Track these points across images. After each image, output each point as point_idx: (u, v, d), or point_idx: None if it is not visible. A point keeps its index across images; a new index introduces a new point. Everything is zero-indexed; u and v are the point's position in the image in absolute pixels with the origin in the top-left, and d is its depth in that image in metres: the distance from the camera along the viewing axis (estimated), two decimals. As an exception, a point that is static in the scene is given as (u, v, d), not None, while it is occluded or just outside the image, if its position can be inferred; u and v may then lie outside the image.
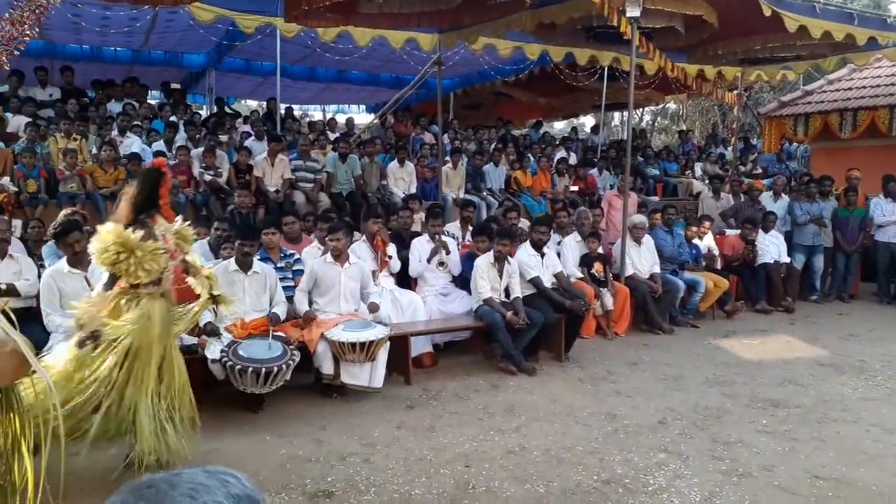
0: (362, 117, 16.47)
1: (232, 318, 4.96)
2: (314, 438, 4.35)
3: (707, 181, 11.37)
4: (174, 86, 13.11)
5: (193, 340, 4.90)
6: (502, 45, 10.09)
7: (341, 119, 14.59)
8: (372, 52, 10.76)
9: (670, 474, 3.80)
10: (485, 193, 9.89)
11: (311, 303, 5.39)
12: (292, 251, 6.01)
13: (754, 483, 3.68)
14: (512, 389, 5.38)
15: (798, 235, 9.08)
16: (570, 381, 5.63)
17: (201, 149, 8.44)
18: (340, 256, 5.43)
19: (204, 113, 12.85)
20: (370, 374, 5.06)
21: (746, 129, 18.21)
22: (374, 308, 5.38)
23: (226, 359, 4.58)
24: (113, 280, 3.61)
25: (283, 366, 4.60)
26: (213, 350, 4.74)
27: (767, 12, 7.33)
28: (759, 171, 13.22)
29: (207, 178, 8.11)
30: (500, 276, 6.10)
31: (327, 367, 5.03)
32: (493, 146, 11.90)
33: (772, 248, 8.75)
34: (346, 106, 17.51)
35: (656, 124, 29.29)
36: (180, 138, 9.20)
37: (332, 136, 11.15)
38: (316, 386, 5.24)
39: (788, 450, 4.15)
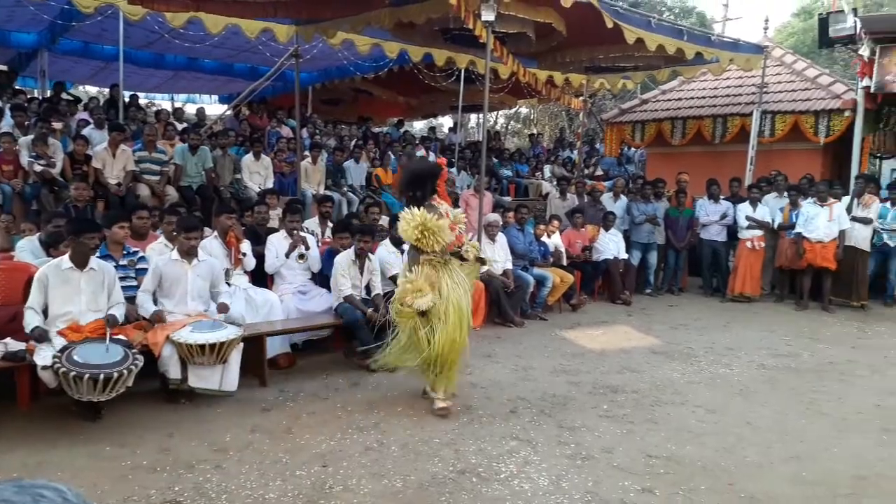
0: (214, 108, 15.70)
1: (65, 321, 4.55)
2: (160, 447, 4.09)
3: (555, 182, 11.96)
4: (0, 67, 11.82)
5: (21, 346, 4.45)
6: (361, 41, 10.02)
7: (191, 109, 13.84)
8: (225, 41, 10.30)
9: (521, 461, 3.96)
10: (345, 190, 9.79)
11: (156, 303, 5.06)
12: (136, 248, 5.61)
13: (596, 465, 3.93)
14: (372, 386, 5.36)
15: (635, 234, 9.80)
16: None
17: (31, 136, 7.66)
18: (189, 254, 5.14)
19: (38, 97, 11.68)
20: (222, 376, 4.83)
21: (591, 134, 19.35)
22: (223, 309, 5.12)
23: (58, 365, 4.19)
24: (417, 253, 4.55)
25: (124, 371, 4.27)
26: (43, 356, 4.32)
27: (610, 24, 7.82)
28: (601, 173, 14.11)
29: (38, 168, 7.39)
30: (361, 273, 6.06)
31: (174, 372, 4.74)
32: (353, 143, 11.80)
33: (612, 245, 9.38)
34: (197, 95, 16.62)
35: (510, 127, 30.39)
36: (6, 124, 8.31)
37: (180, 127, 10.54)
38: (162, 392, 4.94)
39: (626, 432, 4.46)
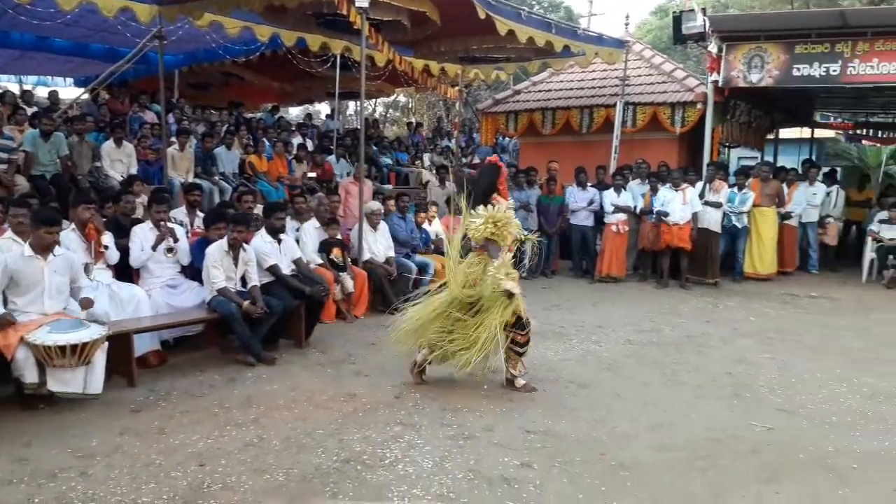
0: (69, 91, 14.48)
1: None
2: (16, 457, 3.76)
3: (434, 171, 12.06)
4: None
5: None
6: (230, 23, 9.59)
7: (42, 92, 12.70)
8: (79, 19, 9.52)
9: (405, 445, 3.98)
10: (217, 178, 9.37)
11: (6, 303, 4.61)
12: (-20, 244, 5.08)
13: (478, 443, 4.02)
14: (250, 381, 5.19)
15: (511, 220, 10.08)
16: (310, 366, 5.61)
17: None
18: (46, 249, 4.72)
19: None
20: (85, 379, 4.49)
21: (468, 124, 19.69)
22: (86, 304, 4.77)
23: None
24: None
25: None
26: None
27: (482, 15, 7.96)
28: (479, 161, 14.39)
29: None
30: (236, 265, 5.84)
31: (30, 376, 4.36)
32: (224, 129, 11.31)
33: (490, 231, 9.60)
34: (49, 78, 15.25)
35: (388, 115, 30.33)
36: None
37: (30, 111, 9.65)
38: (17, 397, 4.53)
39: (506, 410, 4.61)
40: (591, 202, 10.02)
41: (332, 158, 11.41)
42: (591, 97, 12.40)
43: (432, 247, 8.71)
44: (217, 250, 5.75)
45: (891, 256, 9.72)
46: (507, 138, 16.12)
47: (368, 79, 9.83)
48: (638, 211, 9.78)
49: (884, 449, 4.04)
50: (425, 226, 8.83)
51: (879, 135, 19.36)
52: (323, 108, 25.42)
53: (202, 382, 5.14)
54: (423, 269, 8.16)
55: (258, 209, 7.47)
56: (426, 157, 14.22)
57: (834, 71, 9.49)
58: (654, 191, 9.72)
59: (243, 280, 5.89)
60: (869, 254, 10.09)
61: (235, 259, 5.82)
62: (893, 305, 8.43)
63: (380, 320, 7.25)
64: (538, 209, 10.17)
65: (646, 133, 11.71)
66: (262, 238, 6.26)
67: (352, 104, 24.14)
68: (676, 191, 9.26)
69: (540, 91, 13.34)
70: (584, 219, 10.12)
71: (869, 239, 10.21)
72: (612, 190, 9.87)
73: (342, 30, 9.28)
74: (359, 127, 9.94)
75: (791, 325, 7.28)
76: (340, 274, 7.20)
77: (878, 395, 5.01)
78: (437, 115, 23.69)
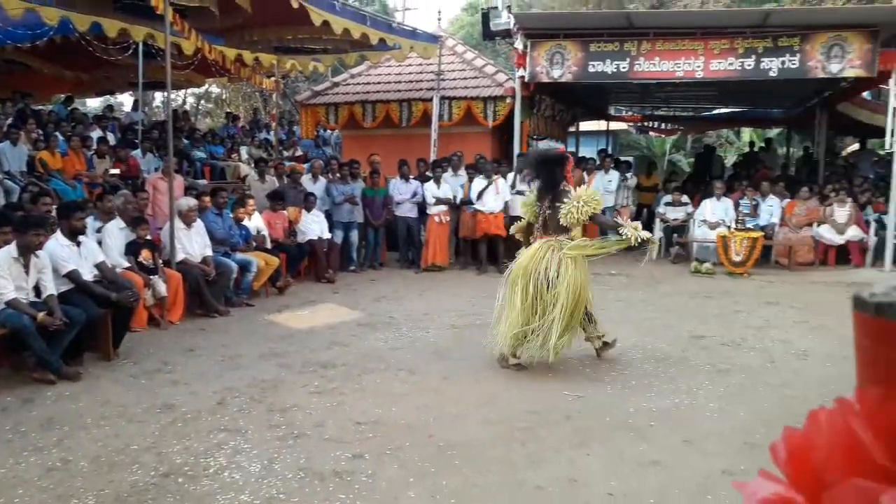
0: None
1: None
2: None
3: (253, 164, 11.61)
4: None
5: None
6: (10, 4, 8.43)
7: None
8: None
9: (231, 451, 3.81)
10: (1, 177, 8.28)
11: None
12: None
13: (308, 441, 3.95)
14: (51, 400, 4.68)
15: (336, 213, 9.99)
16: (121, 379, 5.17)
17: None
18: None
19: None
20: None
21: (288, 116, 19.16)
22: None
23: None
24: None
25: None
26: None
27: (295, 5, 7.77)
28: (301, 154, 14.08)
29: None
30: (27, 273, 5.21)
31: None
32: (8, 122, 10.05)
33: (314, 226, 9.45)
34: None
35: (200, 107, 28.66)
36: None
37: None
38: None
39: (336, 405, 4.57)
40: (414, 194, 10.20)
41: (137, 153, 10.55)
42: (408, 91, 12.58)
43: (253, 244, 8.38)
44: (5, 258, 5.09)
45: (675, 235, 10.96)
46: (328, 131, 15.91)
47: (176, 68, 9.20)
48: (458, 202, 10.12)
49: (674, 406, 4.55)
50: (245, 222, 8.47)
51: (663, 126, 21.69)
52: (126, 100, 23.44)
53: (-9, 407, 4.55)
54: (244, 267, 7.83)
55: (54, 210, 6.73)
56: (243, 150, 13.62)
57: (623, 68, 10.44)
58: (471, 182, 10.11)
59: (38, 290, 5.27)
60: (657, 233, 11.28)
61: (26, 266, 5.19)
62: (678, 278, 9.51)
63: (198, 324, 6.89)
64: (363, 202, 10.17)
65: (462, 126, 12.12)
66: (57, 242, 5.63)
67: (158, 95, 22.53)
68: (489, 182, 9.71)
69: (359, 84, 13.31)
70: (408, 210, 10.27)
71: (657, 220, 11.42)
72: (432, 182, 10.11)
73: (143, 15, 8.58)
74: (166, 119, 9.27)
75: (595, 300, 7.91)
76: (151, 277, 6.69)
77: (668, 359, 5.62)
78: (253, 107, 22.77)
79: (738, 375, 5.17)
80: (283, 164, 11.42)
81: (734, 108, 19.49)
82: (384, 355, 5.75)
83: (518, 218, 9.79)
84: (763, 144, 19.21)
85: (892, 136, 9.63)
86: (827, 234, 10.20)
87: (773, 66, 9.85)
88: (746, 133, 23.57)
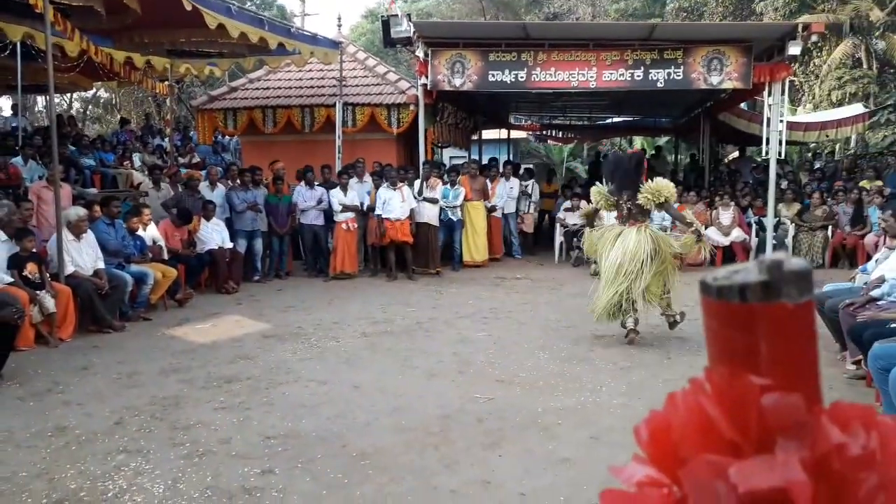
0: None
1: None
2: None
3: (147, 172, 11.07)
4: None
5: None
6: None
7: None
8: None
9: (131, 473, 3.60)
10: None
11: None
12: None
13: (214, 458, 3.80)
14: (-80, 430, 4.25)
15: (238, 222, 9.68)
16: (6, 402, 4.78)
17: None
18: None
19: None
20: None
21: (184, 121, 18.40)
22: None
23: None
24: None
25: None
26: None
27: (188, 7, 7.46)
28: (198, 161, 13.55)
29: None
30: None
31: None
32: None
33: (215, 235, 9.12)
34: None
35: (89, 112, 27.06)
36: None
37: None
38: None
39: (243, 419, 4.42)
40: (319, 201, 10.04)
41: (17, 160, 9.80)
42: (310, 97, 12.40)
43: (149, 255, 7.97)
44: None
45: (575, 239, 11.34)
46: (226, 137, 15.40)
47: (59, 70, 8.67)
48: (364, 208, 10.05)
49: (580, 404, 4.71)
50: (140, 232, 8.05)
51: (561, 135, 22.45)
52: (3, 104, 21.77)
53: None
54: (140, 279, 7.44)
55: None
56: (136, 157, 12.95)
57: (521, 77, 10.73)
58: (377, 189, 10.06)
59: None
60: (558, 238, 11.66)
61: None
62: (579, 280, 9.84)
63: (91, 341, 6.50)
64: (267, 210, 9.91)
65: (366, 133, 12.07)
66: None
67: (41, 99, 21.08)
68: (394, 189, 9.70)
69: (258, 89, 12.98)
70: (314, 218, 10.10)
71: (557, 225, 11.80)
72: (338, 189, 9.99)
73: (21, 13, 8.00)
74: (50, 124, 8.67)
75: (502, 304, 8.10)
76: (37, 292, 6.23)
77: (573, 359, 5.81)
78: (146, 112, 21.71)
79: (638, 372, 5.42)
80: (180, 172, 10.96)
81: (626, 118, 20.49)
82: (292, 367, 5.62)
83: (425, 224, 9.96)
84: (653, 152, 20.29)
85: (768, 144, 10.41)
86: (714, 235, 10.86)
87: (659, 77, 10.42)
88: (638, 141, 24.82)
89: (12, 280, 6.14)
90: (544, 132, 22.09)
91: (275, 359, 5.85)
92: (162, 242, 8.38)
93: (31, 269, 6.34)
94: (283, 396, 4.88)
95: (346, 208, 9.87)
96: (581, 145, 27.01)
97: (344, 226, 9.88)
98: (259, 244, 9.85)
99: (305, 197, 10.10)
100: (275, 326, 7.06)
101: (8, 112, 15.69)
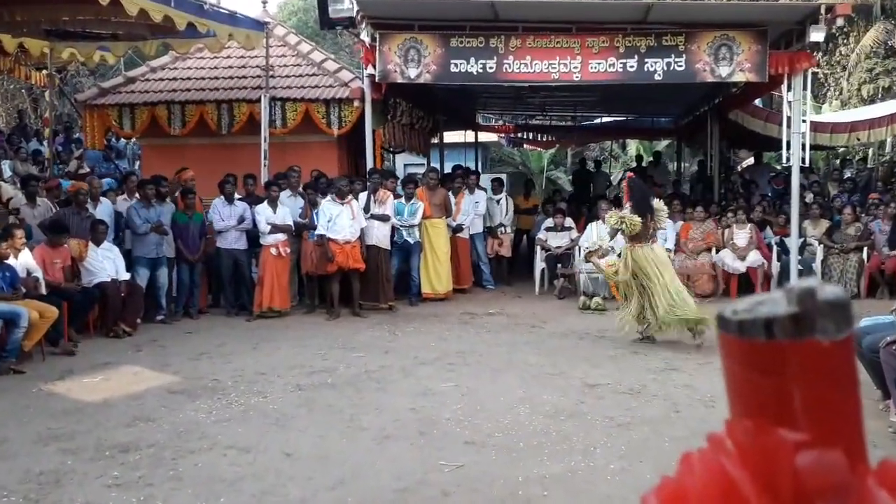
0: None
1: None
2: None
3: (19, 184, 10.86)
4: None
5: None
6: None
7: None
8: None
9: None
10: None
11: None
12: None
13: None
14: None
15: (139, 247, 9.53)
16: None
17: None
18: None
19: None
20: None
21: (68, 120, 18.13)
22: None
23: None
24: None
25: None
26: None
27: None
28: (87, 171, 13.35)
29: None
30: None
31: None
32: None
33: (107, 263, 8.97)
34: None
35: (-59, 108, 26.44)
36: None
37: None
38: None
39: (144, 499, 4.32)
40: (241, 220, 9.97)
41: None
42: (228, 89, 12.36)
43: (22, 290, 7.78)
44: None
45: (559, 265, 11.48)
46: (122, 140, 15.22)
47: None
48: (293, 228, 9.96)
49: (570, 469, 4.73)
50: (10, 260, 7.87)
51: (539, 138, 22.74)
52: None
53: None
54: (10, 321, 7.26)
55: None
56: (5, 165, 12.72)
57: (490, 68, 10.89)
58: (312, 204, 10.03)
59: None
60: (539, 264, 11.77)
61: None
62: (565, 316, 9.95)
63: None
64: (174, 230, 9.78)
65: (300, 135, 12.07)
66: None
67: None
68: (342, 203, 9.67)
69: (163, 80, 12.89)
70: (234, 241, 10.03)
71: (538, 248, 11.92)
72: (265, 204, 9.94)
73: None
74: None
75: (472, 347, 8.12)
76: None
77: (560, 413, 5.84)
78: (18, 109, 21.34)
79: (640, 429, 5.47)
80: (62, 185, 10.78)
81: (618, 117, 20.89)
82: (207, 430, 5.53)
83: (374, 248, 9.95)
84: (651, 158, 20.70)
85: (788, 148, 10.72)
86: (729, 260, 11.09)
87: (657, 67, 10.69)
88: (633, 145, 25.31)
89: None
90: (519, 135, 22.35)
91: (184, 420, 5.74)
92: (39, 273, 8.21)
93: None
94: (194, 469, 4.79)
95: (275, 228, 9.83)
96: (564, 151, 27.40)
97: (273, 250, 9.83)
98: (164, 275, 9.72)
99: (223, 214, 10.03)
100: (184, 379, 6.94)
101: None
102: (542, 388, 6.54)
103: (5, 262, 7.79)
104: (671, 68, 10.67)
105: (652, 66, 10.69)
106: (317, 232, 9.70)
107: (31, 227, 9.05)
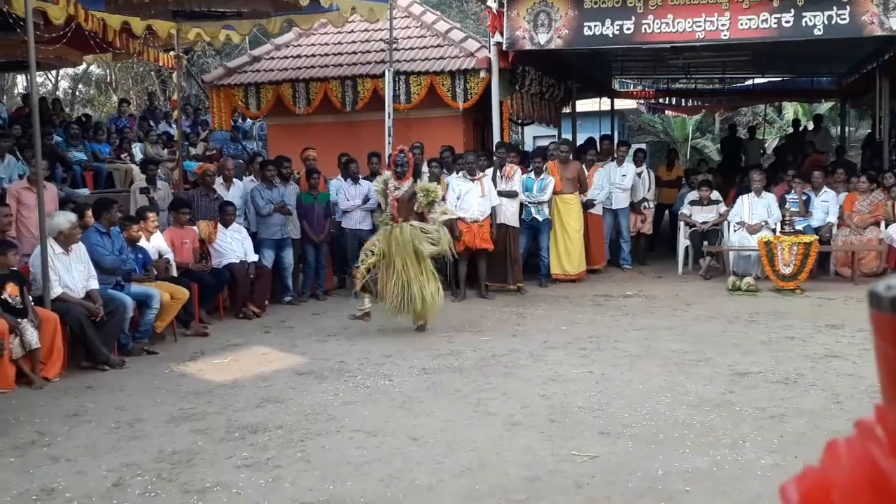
0: None
1: None
2: None
3: (154, 166, 11.50)
4: None
5: None
6: None
7: None
8: None
9: (135, 549, 3.75)
10: None
11: None
12: None
13: (238, 530, 3.91)
14: None
15: (263, 229, 9.91)
16: (-19, 457, 5.07)
17: None
18: None
19: None
20: None
21: (195, 103, 19.04)
22: None
23: None
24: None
25: None
26: None
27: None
28: (214, 152, 14.00)
29: None
30: None
31: None
32: None
33: (235, 245, 9.39)
34: None
35: (79, 93, 28.39)
36: None
37: None
38: None
39: (272, 480, 4.53)
40: (366, 199, 10.19)
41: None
42: (352, 65, 12.62)
43: (154, 272, 8.28)
44: None
45: (705, 243, 11.12)
46: (248, 120, 15.84)
47: (41, 42, 9.13)
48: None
49: (715, 464, 4.60)
50: (142, 242, 8.38)
51: (683, 103, 22.08)
52: (-24, 86, 23.12)
53: None
54: (143, 303, 7.74)
55: None
56: (136, 147, 13.52)
57: (628, 29, 10.63)
58: (435, 180, 10.11)
59: None
60: (683, 241, 11.45)
61: None
62: (712, 298, 9.64)
63: (84, 381, 6.80)
64: (299, 211, 10.12)
65: (424, 110, 12.21)
66: None
67: (20, 79, 22.26)
68: (473, 180, 9.72)
69: (287, 58, 13.32)
70: (358, 221, 10.28)
71: (681, 224, 11.59)
72: (389, 182, 10.10)
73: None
74: (31, 109, 9.15)
75: (607, 331, 8.02)
76: (18, 321, 6.57)
77: (705, 404, 5.68)
78: (148, 91, 22.63)
79: (795, 422, 5.26)
80: (184, 167, 11.32)
81: (772, 78, 19.96)
82: (334, 412, 5.72)
83: (502, 227, 9.96)
84: (812, 123, 19.69)
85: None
86: (896, 234, 10.43)
87: (817, 21, 10.12)
88: (790, 109, 24.15)
89: (-13, 305, 6.51)
90: (660, 100, 21.83)
91: (311, 402, 5.96)
92: (170, 256, 8.69)
93: (11, 291, 6.70)
94: (322, 451, 4.97)
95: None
96: (711, 116, 26.53)
97: (398, 230, 9.99)
98: (290, 256, 10.07)
99: (348, 194, 10.28)
100: (311, 361, 7.20)
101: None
102: (685, 376, 6.39)
103: (137, 244, 8.30)
104: (833, 22, 10.08)
105: (811, 19, 10.13)
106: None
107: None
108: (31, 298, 6.89)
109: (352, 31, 13.14)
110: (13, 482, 4.61)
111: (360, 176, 10.41)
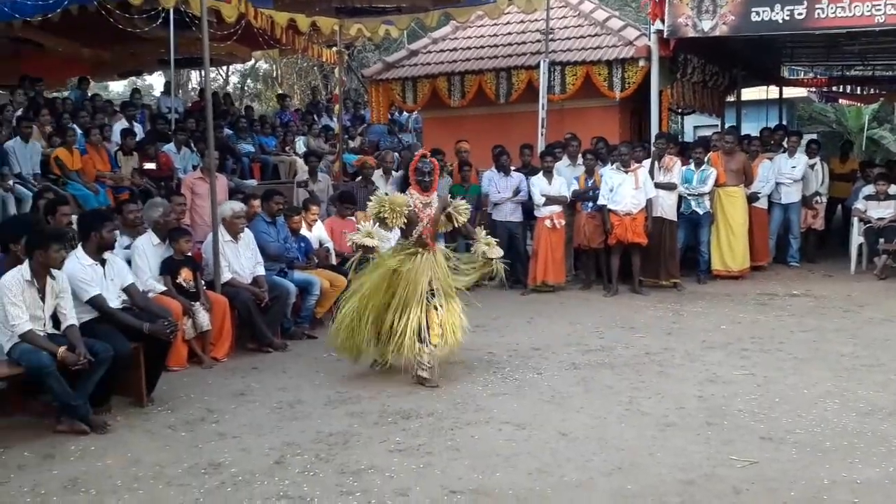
0: None
1: None
2: None
3: (315, 159, 11.97)
4: None
5: None
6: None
7: None
8: None
9: (294, 525, 3.94)
10: (11, 182, 8.93)
11: None
12: None
13: (390, 514, 4.03)
14: (75, 457, 4.98)
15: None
16: (156, 430, 5.44)
17: None
18: None
19: None
20: None
21: (355, 97, 19.63)
22: None
23: None
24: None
25: None
26: None
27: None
28: (370, 145, 14.40)
29: None
30: (43, 299, 5.56)
31: None
32: (17, 114, 10.83)
33: (393, 235, 9.57)
34: None
35: (247, 88, 29.86)
36: None
37: None
38: None
39: (423, 466, 4.63)
40: (517, 191, 10.20)
41: (170, 148, 11.12)
42: (507, 57, 12.64)
43: (315, 259, 8.62)
44: (14, 281, 5.43)
45: (881, 240, 10.44)
46: (405, 113, 16.16)
47: (215, 39, 9.66)
48: (570, 198, 9.97)
49: (888, 476, 4.34)
50: (304, 231, 8.73)
51: (859, 91, 20.79)
52: (156, 82, 24.73)
53: (5, 462, 4.90)
54: (305, 289, 8.07)
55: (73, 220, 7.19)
56: (300, 140, 14.10)
57: (799, 14, 10.08)
58: (589, 173, 9.98)
59: (56, 318, 5.63)
60: (856, 238, 10.80)
61: (42, 291, 5.55)
62: (888, 299, 9.05)
63: (250, 362, 7.17)
64: (451, 203, 10.24)
65: (579, 100, 12.06)
66: (78, 260, 5.99)
67: (195, 74, 23.63)
68: (626, 172, 9.54)
69: (443, 51, 13.50)
70: (509, 213, 10.29)
71: (855, 220, 10.92)
72: (541, 175, 10.07)
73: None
74: (205, 104, 9.72)
75: (770, 332, 7.68)
76: (192, 303, 7.02)
77: (878, 412, 5.36)
78: (311, 86, 23.53)
79: (979, 435, 4.87)
80: (343, 160, 11.67)
81: (961, 63, 18.47)
82: (483, 403, 5.78)
83: (658, 220, 9.72)
84: None
85: None
86: None
87: None
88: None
89: (165, 288, 6.97)
90: (834, 88, 20.67)
91: (461, 391, 6.05)
92: (331, 245, 9.01)
93: (185, 276, 7.15)
94: (471, 441, 5.04)
95: (550, 200, 9.92)
96: (890, 105, 24.85)
97: (548, 223, 9.95)
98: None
99: (499, 186, 10.31)
100: (461, 350, 7.27)
101: (159, 91, 17.77)
102: (856, 382, 6.04)
103: (300, 234, 8.66)
104: None
105: None
106: (598, 202, 9.66)
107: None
108: (203, 283, 7.34)
109: (507, 22, 13.16)
110: (184, 456, 4.94)
111: (512, 168, 10.41)
